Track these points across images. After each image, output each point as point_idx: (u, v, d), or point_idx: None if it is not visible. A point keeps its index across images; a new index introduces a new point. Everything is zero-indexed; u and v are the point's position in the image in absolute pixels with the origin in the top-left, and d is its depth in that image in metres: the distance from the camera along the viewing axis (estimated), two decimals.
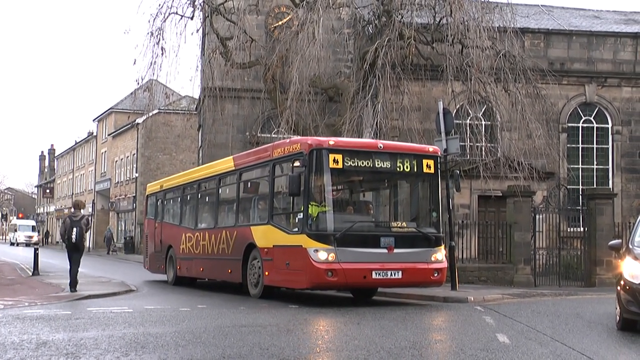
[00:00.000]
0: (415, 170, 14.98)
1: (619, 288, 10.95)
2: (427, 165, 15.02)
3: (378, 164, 14.65)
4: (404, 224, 15.12)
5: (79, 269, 17.66)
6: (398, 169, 14.84)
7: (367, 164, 14.55)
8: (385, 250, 14.08)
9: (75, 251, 17.49)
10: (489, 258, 23.18)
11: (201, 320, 11.68)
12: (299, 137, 17.42)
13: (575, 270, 23.29)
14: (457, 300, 16.17)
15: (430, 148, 15.73)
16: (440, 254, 14.85)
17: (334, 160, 14.04)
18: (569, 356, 8.55)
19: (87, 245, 53.22)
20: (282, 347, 8.69)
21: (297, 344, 9.06)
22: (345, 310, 13.47)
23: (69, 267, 17.52)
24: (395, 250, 14.15)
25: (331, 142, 14.31)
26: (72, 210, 18.35)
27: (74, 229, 17.08)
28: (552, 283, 22.23)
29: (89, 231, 17.77)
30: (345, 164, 14.21)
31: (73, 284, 17.30)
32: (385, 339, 9.64)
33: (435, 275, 14.69)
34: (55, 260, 37.25)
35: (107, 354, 8.02)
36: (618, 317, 11.15)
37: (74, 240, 17.14)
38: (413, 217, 15.68)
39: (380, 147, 14.80)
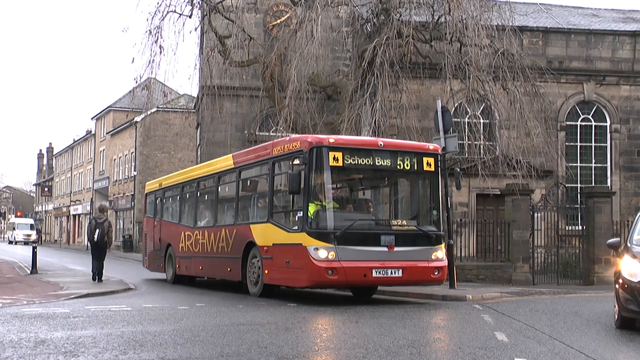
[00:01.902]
0: (416, 168, 14.95)
1: (617, 286, 10.94)
2: (427, 163, 14.99)
3: (378, 162, 14.61)
4: (405, 222, 15.07)
5: (98, 267, 20.16)
6: (398, 166, 14.80)
7: (368, 161, 14.50)
8: (385, 249, 14.06)
9: (97, 248, 20.19)
10: (487, 256, 23.21)
11: (200, 319, 11.67)
12: (298, 135, 17.38)
13: (574, 269, 23.33)
14: (456, 298, 16.18)
15: (431, 146, 15.69)
16: (440, 252, 14.83)
17: (334, 158, 14.01)
18: (567, 354, 8.55)
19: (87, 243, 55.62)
20: (281, 345, 8.69)
21: (295, 342, 9.06)
22: (343, 309, 13.47)
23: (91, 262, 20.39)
24: (396, 249, 14.13)
25: (331, 140, 14.28)
26: (98, 213, 21.73)
27: (97, 230, 19.93)
28: (551, 281, 22.26)
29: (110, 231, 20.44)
30: (346, 161, 14.18)
31: (99, 275, 20.03)
32: (384, 337, 9.64)
33: (436, 273, 14.67)
34: (53, 259, 37.29)
35: (105, 352, 8.01)
36: (616, 316, 11.16)
37: (95, 239, 19.95)
38: (413, 215, 15.66)
39: (381, 144, 14.77)
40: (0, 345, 8.43)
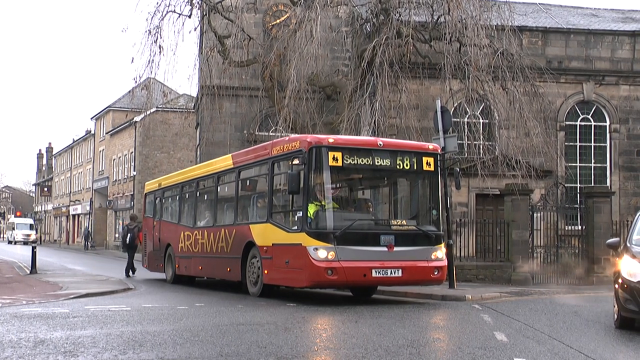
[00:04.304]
0: (415, 167, 14.93)
1: (617, 286, 10.94)
2: (427, 163, 14.97)
3: (378, 162, 14.59)
4: (404, 222, 15.04)
5: (130, 264, 24.79)
6: (398, 166, 14.79)
7: (367, 161, 14.48)
8: (385, 249, 14.05)
9: (129, 249, 24.99)
10: (487, 256, 23.18)
11: (199, 319, 11.67)
12: (298, 135, 17.36)
13: (573, 269, 23.29)
14: (455, 298, 16.17)
15: (430, 145, 15.68)
16: (440, 252, 14.82)
17: (333, 158, 14.00)
18: (566, 354, 8.55)
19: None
20: (280, 345, 8.69)
21: (295, 342, 9.06)
22: (343, 309, 13.47)
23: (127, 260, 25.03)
24: (396, 249, 14.12)
25: (331, 140, 14.26)
26: (129, 220, 27.28)
27: (128, 235, 24.94)
28: (550, 281, 22.24)
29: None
30: (345, 161, 14.16)
31: (127, 271, 24.60)
32: (383, 337, 9.64)
33: (436, 273, 14.66)
34: (52, 259, 37.27)
35: (104, 352, 8.00)
36: (616, 316, 11.17)
37: (127, 242, 24.95)
38: (413, 215, 15.63)
39: (380, 144, 14.75)
40: (0, 345, 8.43)
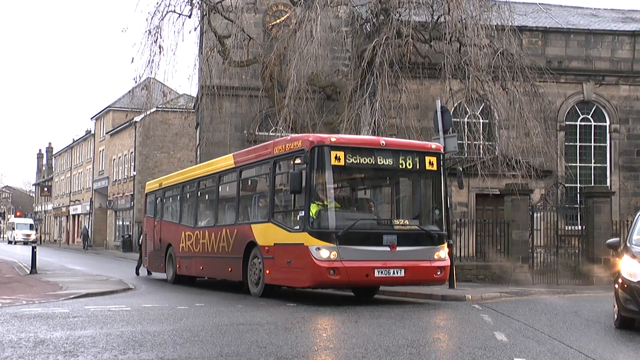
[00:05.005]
0: (418, 167, 14.87)
1: (617, 286, 10.95)
2: (429, 162, 14.92)
3: (380, 161, 14.53)
4: (407, 222, 14.98)
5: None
6: (400, 166, 14.73)
7: (369, 161, 14.42)
8: (387, 248, 14.01)
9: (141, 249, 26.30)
10: (487, 256, 23.18)
11: (199, 319, 11.68)
12: (300, 134, 17.34)
13: (573, 269, 23.30)
14: (455, 298, 16.17)
15: (433, 145, 15.61)
16: (443, 252, 14.77)
17: (335, 157, 13.95)
18: (566, 354, 8.55)
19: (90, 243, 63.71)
20: (280, 345, 8.69)
21: (295, 342, 9.06)
22: (343, 309, 13.47)
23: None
24: (398, 248, 14.07)
25: (333, 139, 14.22)
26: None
27: (141, 235, 26.43)
28: (550, 281, 22.24)
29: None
30: (347, 161, 14.10)
31: (138, 269, 26.05)
32: (383, 337, 9.64)
33: (438, 273, 14.62)
34: (52, 259, 37.26)
35: (104, 352, 8.00)
36: (616, 316, 11.17)
37: (140, 242, 26.70)
38: (416, 214, 15.60)
39: (383, 144, 14.72)
40: (0, 345, 8.43)
